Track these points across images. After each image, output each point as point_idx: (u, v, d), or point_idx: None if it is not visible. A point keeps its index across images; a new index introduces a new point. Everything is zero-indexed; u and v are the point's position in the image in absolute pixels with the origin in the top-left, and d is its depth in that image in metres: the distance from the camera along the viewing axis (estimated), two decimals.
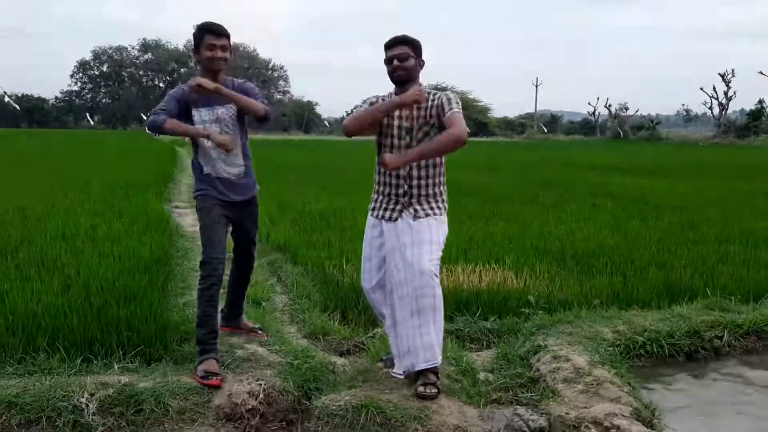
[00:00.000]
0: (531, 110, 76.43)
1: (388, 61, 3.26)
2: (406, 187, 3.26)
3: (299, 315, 4.70)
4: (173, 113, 3.42)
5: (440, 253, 3.26)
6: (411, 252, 3.17)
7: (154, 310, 3.87)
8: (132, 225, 6.79)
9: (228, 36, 3.44)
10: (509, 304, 4.70)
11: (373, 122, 3.26)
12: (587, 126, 70.47)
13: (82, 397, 2.93)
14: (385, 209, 3.31)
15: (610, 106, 64.68)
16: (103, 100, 72.55)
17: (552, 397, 3.26)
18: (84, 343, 3.50)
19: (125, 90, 71.02)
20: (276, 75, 74.51)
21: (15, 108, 58.60)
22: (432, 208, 3.28)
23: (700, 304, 4.61)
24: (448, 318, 4.54)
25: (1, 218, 6.93)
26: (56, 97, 70.83)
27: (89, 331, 3.56)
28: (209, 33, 3.38)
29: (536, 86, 72.37)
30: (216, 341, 3.39)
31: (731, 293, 4.88)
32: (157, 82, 73.15)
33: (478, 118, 66.41)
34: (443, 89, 3.43)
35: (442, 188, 3.35)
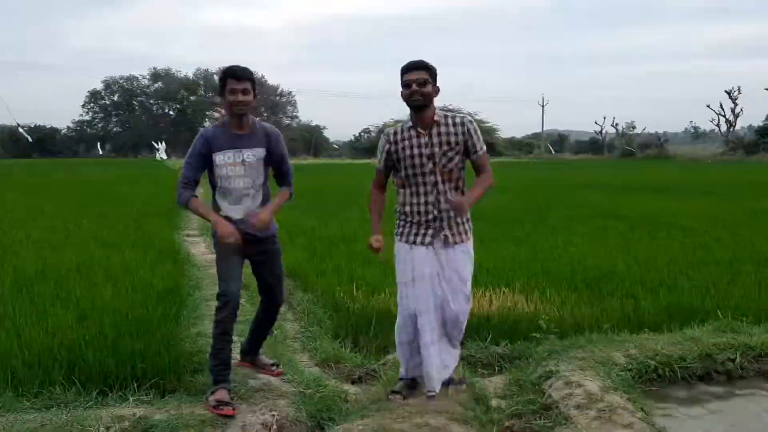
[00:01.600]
0: (538, 130, 76.59)
1: (406, 85, 3.31)
2: (435, 212, 3.36)
3: (311, 342, 4.72)
4: (198, 177, 3.47)
5: (469, 287, 3.50)
6: (442, 287, 3.39)
7: (167, 341, 3.91)
8: (144, 255, 6.86)
9: (251, 79, 3.46)
10: (520, 329, 4.70)
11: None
12: (595, 145, 70.50)
13: (98, 431, 2.96)
14: (416, 234, 3.40)
15: (617, 124, 64.85)
16: (114, 129, 73.34)
17: (565, 424, 3.25)
18: (99, 376, 3.53)
19: (136, 118, 71.81)
20: (284, 100, 75.15)
21: (28, 139, 59.36)
22: (461, 233, 3.41)
23: (712, 326, 4.59)
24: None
25: (16, 250, 7.02)
26: (68, 127, 71.73)
27: (104, 364, 3.60)
28: (231, 77, 3.39)
29: (542, 106, 72.66)
30: (228, 372, 3.41)
31: (743, 314, 4.85)
32: (167, 110, 73.92)
33: (486, 138, 66.52)
34: (450, 110, 3.59)
35: (468, 212, 3.45)
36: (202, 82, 73.49)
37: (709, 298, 5.33)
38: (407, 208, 3.43)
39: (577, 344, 4.26)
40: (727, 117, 53.84)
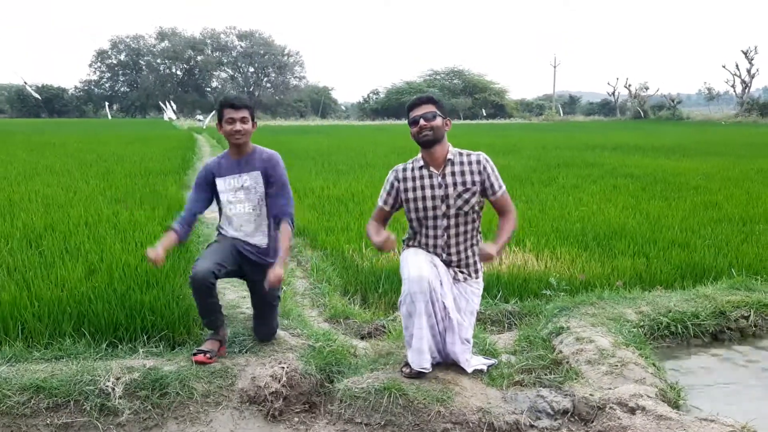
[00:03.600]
0: (549, 91, 75.61)
1: (414, 123, 3.14)
2: (444, 255, 3.20)
3: (320, 299, 4.72)
4: (197, 209, 3.46)
5: (473, 321, 3.31)
6: (459, 311, 3.19)
7: (176, 294, 3.90)
8: (153, 212, 6.84)
9: (249, 107, 3.42)
10: (530, 287, 4.68)
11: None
12: (607, 107, 69.63)
13: (108, 381, 2.97)
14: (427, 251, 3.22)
15: (630, 86, 63.80)
16: (122, 89, 73.10)
17: (575, 379, 3.23)
18: (109, 328, 3.54)
19: (143, 78, 71.42)
20: (292, 61, 74.39)
21: (35, 98, 59.19)
22: (471, 273, 3.25)
23: (725, 284, 4.55)
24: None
25: (25, 206, 7.02)
26: (75, 87, 71.51)
27: (114, 316, 3.60)
28: (228, 107, 3.37)
29: (554, 67, 71.53)
30: (219, 323, 3.36)
31: (757, 273, 4.81)
32: (174, 70, 73.42)
33: (495, 100, 65.91)
34: (462, 151, 3.25)
35: (477, 236, 3.29)
36: (209, 41, 72.80)
37: (722, 256, 5.28)
38: (415, 238, 3.27)
39: (588, 301, 4.23)
40: (742, 77, 52.85)
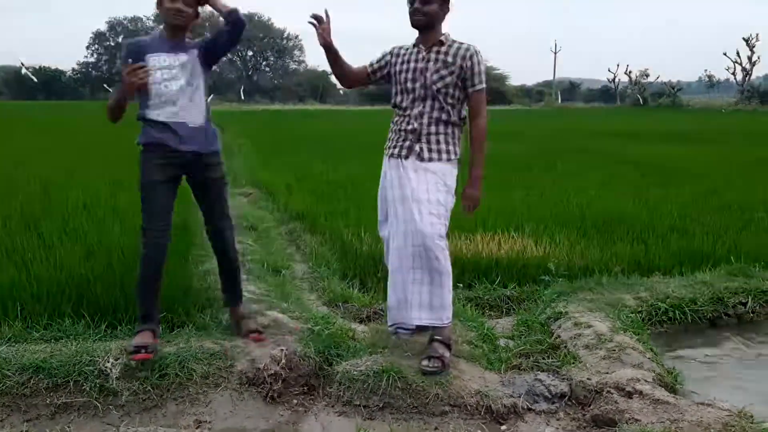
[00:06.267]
0: (549, 78, 75.32)
1: (410, 2, 3.14)
2: (416, 124, 3.17)
3: (319, 283, 4.73)
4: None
5: (442, 211, 3.11)
6: (409, 208, 3.09)
7: (176, 277, 3.90)
8: None
9: None
10: (529, 272, 4.68)
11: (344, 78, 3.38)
12: (607, 93, 69.34)
13: (108, 362, 2.97)
14: (395, 147, 3.23)
15: (630, 72, 63.51)
16: (120, 71, 72.70)
17: (573, 363, 3.25)
18: (108, 310, 3.53)
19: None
20: (291, 44, 73.95)
21: (32, 80, 58.85)
22: (439, 151, 3.16)
23: (724, 270, 4.56)
24: (467, 285, 4.55)
25: (23, 189, 7.00)
26: (73, 69, 71.04)
27: (113, 297, 3.60)
28: None
29: (555, 53, 71.23)
30: (153, 312, 3.20)
31: (755, 260, 4.81)
32: None
33: (495, 86, 65.61)
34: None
35: (454, 131, 3.20)
36: (207, 24, 72.29)
37: (720, 243, 5.28)
38: (394, 119, 3.28)
39: (586, 287, 4.24)
40: (743, 65, 52.66)
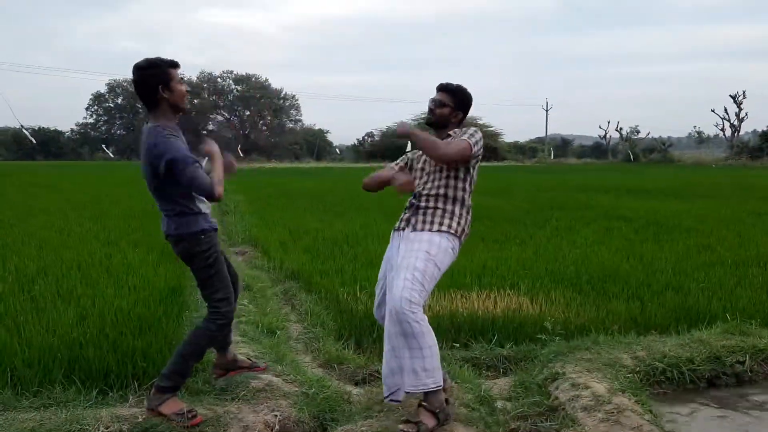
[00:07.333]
0: (542, 134, 76.52)
1: (430, 101, 3.41)
2: (414, 200, 3.32)
3: (314, 344, 4.68)
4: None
5: (417, 276, 3.04)
6: (391, 277, 3.18)
7: (169, 340, 3.87)
8: (147, 254, 6.82)
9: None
10: (525, 330, 4.65)
11: (378, 186, 3.49)
12: (598, 149, 70.38)
13: (98, 431, 2.92)
14: (399, 220, 3.38)
15: (621, 129, 64.68)
16: (118, 132, 73.53)
17: (572, 426, 3.20)
18: (100, 375, 3.49)
19: (140, 121, 71.89)
20: (288, 104, 75.23)
21: (31, 141, 59.41)
22: (432, 222, 3.20)
23: (720, 328, 4.53)
24: (464, 345, 4.51)
25: (17, 249, 6.99)
26: (72, 130, 71.90)
27: (105, 362, 3.56)
28: (178, 67, 3.09)
29: (546, 110, 72.60)
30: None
31: (751, 317, 4.80)
32: None
33: (489, 143, 66.52)
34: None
35: (454, 208, 3.26)
36: (205, 86, 73.67)
37: (716, 300, 5.28)
38: (409, 199, 3.42)
39: (583, 346, 4.21)
40: (731, 121, 53.74)
